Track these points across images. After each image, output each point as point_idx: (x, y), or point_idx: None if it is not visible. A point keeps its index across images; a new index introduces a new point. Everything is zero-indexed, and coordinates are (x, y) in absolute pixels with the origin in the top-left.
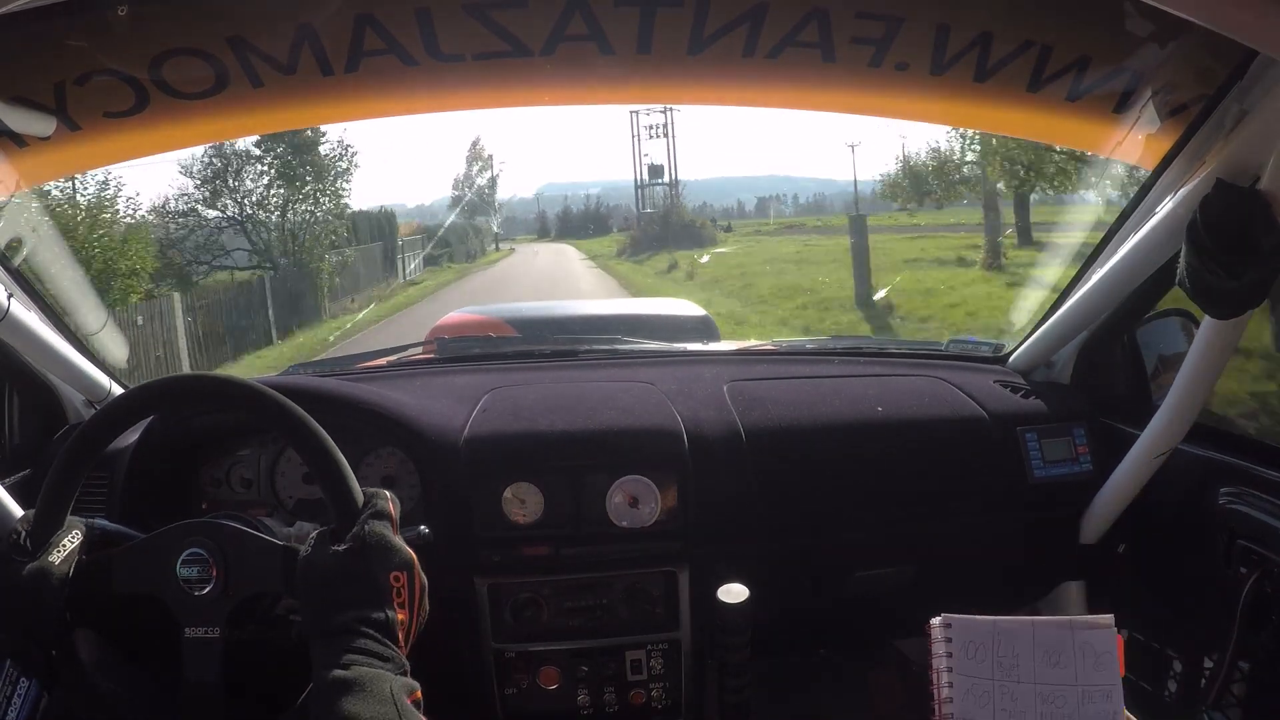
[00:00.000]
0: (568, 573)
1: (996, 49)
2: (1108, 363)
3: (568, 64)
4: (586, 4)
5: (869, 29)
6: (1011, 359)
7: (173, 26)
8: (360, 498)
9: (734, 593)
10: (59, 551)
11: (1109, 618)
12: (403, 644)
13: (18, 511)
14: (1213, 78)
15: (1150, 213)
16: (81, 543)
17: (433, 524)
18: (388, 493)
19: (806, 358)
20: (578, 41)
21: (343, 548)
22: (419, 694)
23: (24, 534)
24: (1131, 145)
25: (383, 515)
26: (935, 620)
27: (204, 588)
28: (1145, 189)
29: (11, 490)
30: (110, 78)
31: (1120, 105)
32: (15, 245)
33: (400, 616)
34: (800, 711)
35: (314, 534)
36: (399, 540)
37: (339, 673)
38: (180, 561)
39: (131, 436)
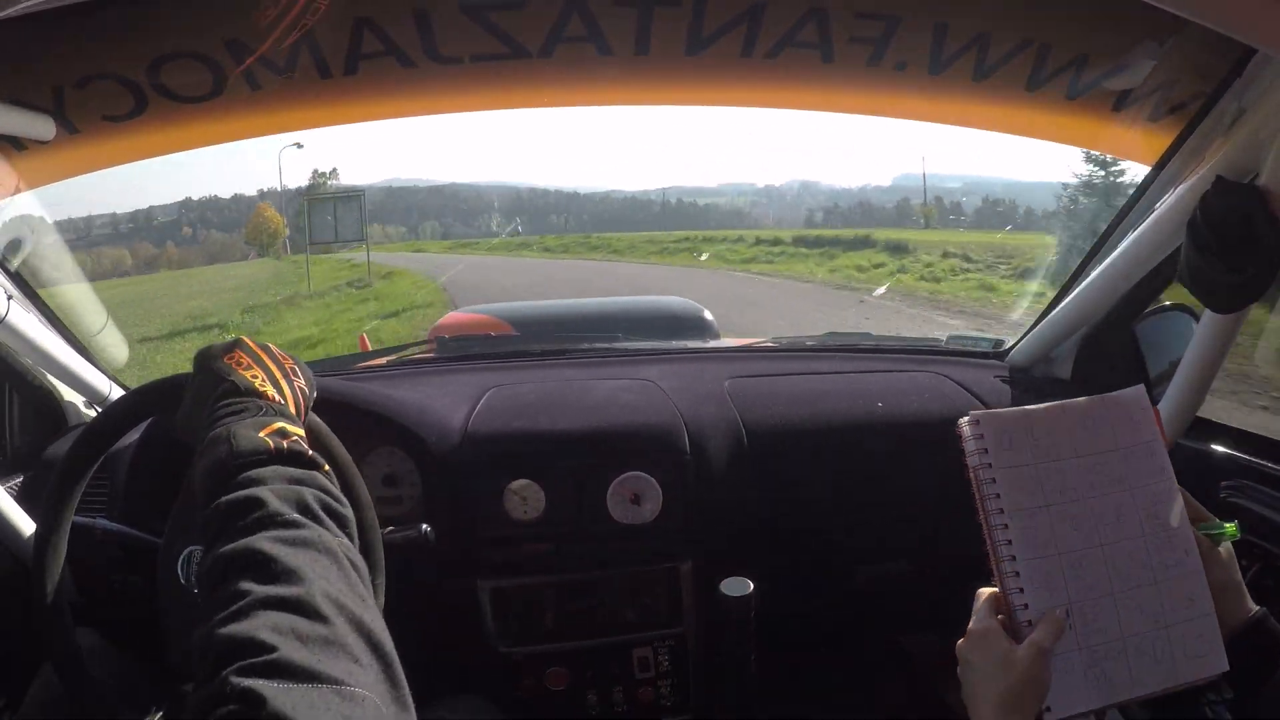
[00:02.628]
0: (570, 571)
1: (995, 48)
2: (1108, 358)
3: (566, 65)
4: (585, 5)
5: (867, 29)
6: (1011, 354)
7: (171, 30)
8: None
9: (737, 586)
10: None
11: (1138, 386)
12: (272, 394)
13: (19, 515)
14: (1211, 75)
15: (1150, 209)
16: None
17: (434, 522)
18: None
19: (807, 354)
20: (576, 43)
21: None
22: (279, 425)
23: None
24: (1131, 142)
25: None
26: (963, 420)
27: None
28: (1145, 185)
29: (12, 493)
30: (109, 81)
31: (1119, 103)
32: (14, 248)
33: (250, 374)
34: (804, 707)
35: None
36: (219, 342)
37: (199, 447)
38: (180, 566)
39: (132, 437)
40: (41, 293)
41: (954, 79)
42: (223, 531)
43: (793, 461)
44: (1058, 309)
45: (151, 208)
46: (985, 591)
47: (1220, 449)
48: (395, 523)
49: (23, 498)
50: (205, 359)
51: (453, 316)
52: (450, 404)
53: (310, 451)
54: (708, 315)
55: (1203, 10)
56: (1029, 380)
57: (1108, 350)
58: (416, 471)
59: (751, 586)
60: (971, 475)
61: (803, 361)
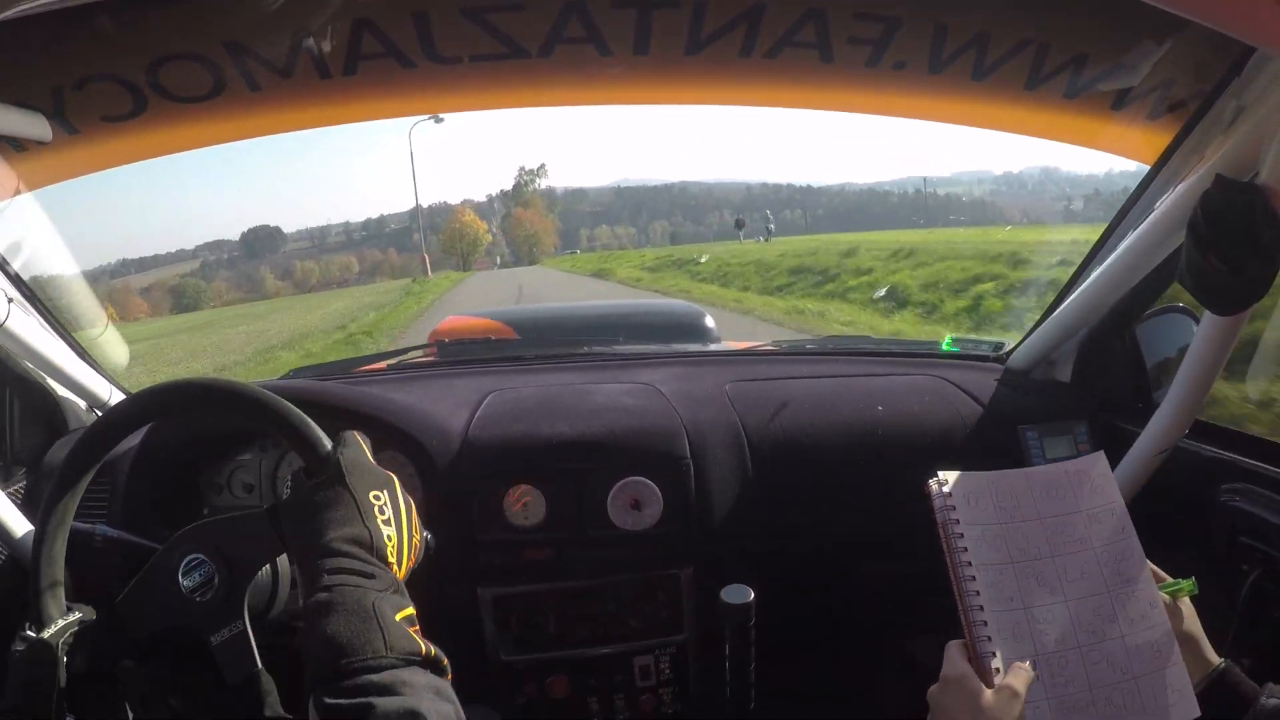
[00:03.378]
0: (570, 577)
1: (994, 47)
2: (1108, 360)
3: (566, 65)
4: (584, 5)
5: (867, 29)
6: (1012, 357)
7: (170, 31)
8: (327, 438)
9: (739, 593)
10: (53, 625)
11: (1099, 453)
12: (394, 562)
13: (19, 519)
14: (1211, 73)
15: (1150, 209)
16: (79, 616)
17: (434, 527)
18: (359, 432)
19: (807, 358)
20: (575, 43)
21: (320, 479)
22: (411, 611)
23: (29, 626)
24: (1130, 141)
25: (354, 444)
26: (932, 480)
27: (210, 590)
28: (1144, 185)
29: (13, 498)
30: (108, 82)
31: (1118, 102)
32: (14, 250)
33: (387, 533)
34: (805, 712)
35: (289, 476)
36: (375, 464)
37: (321, 595)
38: (181, 572)
39: (133, 442)
40: (42, 296)
41: (953, 78)
42: None
43: (793, 465)
44: (1058, 311)
45: (383, 216)
46: (955, 643)
47: (1220, 452)
48: None
49: (23, 502)
50: (353, 480)
51: (453, 320)
52: (450, 408)
53: (444, 659)
54: (708, 319)
55: (1201, 9)
56: (1029, 383)
57: (1108, 352)
58: (417, 477)
59: (752, 595)
60: (940, 530)
61: (803, 365)
